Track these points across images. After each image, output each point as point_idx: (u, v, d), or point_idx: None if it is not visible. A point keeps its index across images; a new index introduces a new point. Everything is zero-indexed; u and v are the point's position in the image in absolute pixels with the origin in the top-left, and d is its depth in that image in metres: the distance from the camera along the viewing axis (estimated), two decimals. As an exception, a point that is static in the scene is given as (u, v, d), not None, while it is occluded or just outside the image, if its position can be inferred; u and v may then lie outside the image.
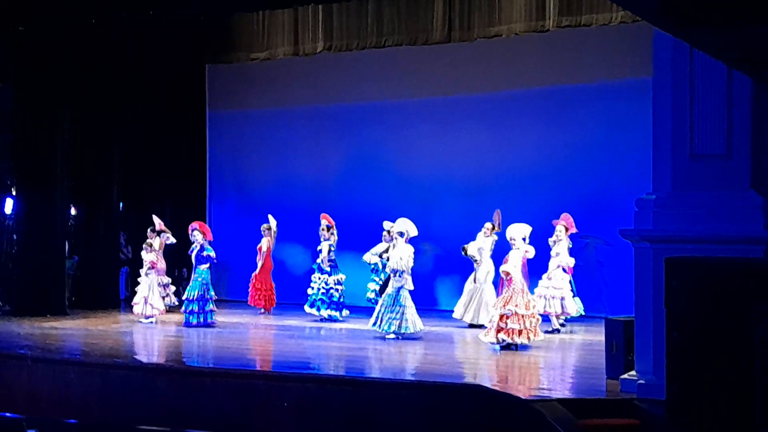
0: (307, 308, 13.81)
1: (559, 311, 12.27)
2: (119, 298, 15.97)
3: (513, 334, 10.55)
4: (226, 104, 17.28)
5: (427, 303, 14.25)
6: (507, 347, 10.65)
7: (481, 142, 15.01)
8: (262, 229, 14.80)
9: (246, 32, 15.67)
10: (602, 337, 9.06)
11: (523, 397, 8.09)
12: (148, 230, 14.32)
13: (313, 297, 13.75)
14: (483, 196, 14.78)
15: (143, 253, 13.89)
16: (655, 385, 7.48)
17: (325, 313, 13.64)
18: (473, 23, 13.71)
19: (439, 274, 15.12)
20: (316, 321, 13.65)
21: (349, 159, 16.18)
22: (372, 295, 13.69)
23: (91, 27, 14.78)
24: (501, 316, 10.65)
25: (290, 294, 15.32)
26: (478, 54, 14.68)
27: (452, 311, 13.19)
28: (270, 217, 14.76)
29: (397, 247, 11.93)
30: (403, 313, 11.59)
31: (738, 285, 5.98)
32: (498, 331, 10.67)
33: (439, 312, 14.34)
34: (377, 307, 11.98)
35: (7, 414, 8.88)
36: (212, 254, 13.21)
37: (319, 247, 13.88)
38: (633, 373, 8.15)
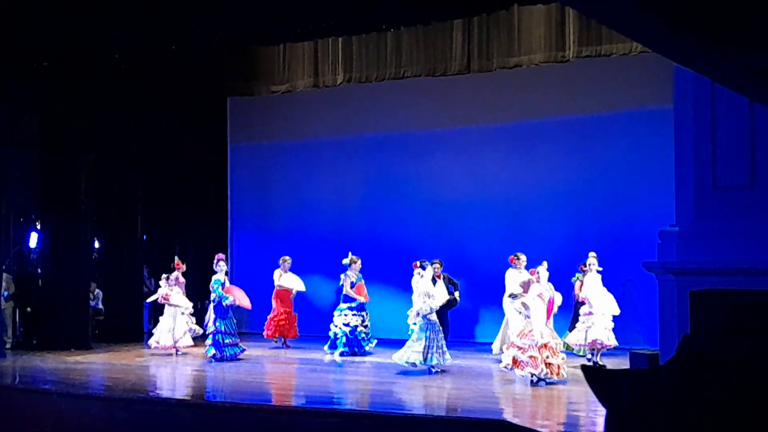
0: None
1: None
2: (143, 332, 16.01)
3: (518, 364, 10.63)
4: (248, 136, 17.40)
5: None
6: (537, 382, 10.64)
7: (502, 172, 15.01)
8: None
9: (267, 65, 15.76)
10: (630, 371, 8.96)
11: (547, 432, 8.02)
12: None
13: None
14: (503, 226, 14.76)
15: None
16: (681, 419, 7.39)
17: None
18: (492, 53, 13.67)
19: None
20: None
21: (371, 190, 16.23)
22: None
23: (114, 61, 14.97)
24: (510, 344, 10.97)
25: (312, 326, 15.21)
26: (497, 84, 14.72)
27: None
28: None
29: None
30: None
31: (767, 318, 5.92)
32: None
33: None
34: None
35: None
36: (228, 301, 13.22)
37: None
38: (659, 407, 8.05)
